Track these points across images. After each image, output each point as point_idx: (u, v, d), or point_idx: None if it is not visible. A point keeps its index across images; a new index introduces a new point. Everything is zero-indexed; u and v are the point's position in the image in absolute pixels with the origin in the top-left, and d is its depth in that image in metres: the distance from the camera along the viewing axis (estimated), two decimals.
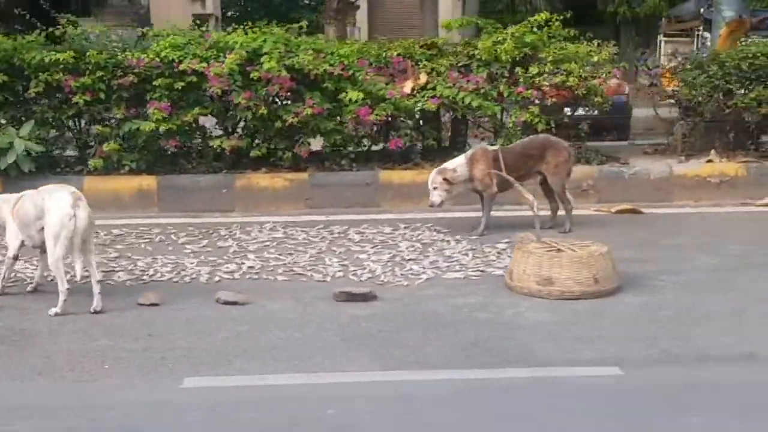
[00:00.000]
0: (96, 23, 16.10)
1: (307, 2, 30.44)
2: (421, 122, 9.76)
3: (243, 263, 6.75)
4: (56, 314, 5.47)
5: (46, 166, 8.98)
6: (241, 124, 9.18)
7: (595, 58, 9.04)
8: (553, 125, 8.83)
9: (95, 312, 5.52)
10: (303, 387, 4.35)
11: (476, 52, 9.17)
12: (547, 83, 8.86)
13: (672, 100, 10.48)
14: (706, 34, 16.93)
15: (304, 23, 9.36)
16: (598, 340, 4.95)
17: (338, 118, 8.95)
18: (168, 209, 8.86)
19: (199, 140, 9.19)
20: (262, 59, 8.54)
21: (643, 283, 6.09)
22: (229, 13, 32.37)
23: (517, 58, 9.07)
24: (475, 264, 6.64)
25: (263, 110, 8.63)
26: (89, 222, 5.53)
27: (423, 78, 9.06)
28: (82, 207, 5.48)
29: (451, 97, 8.85)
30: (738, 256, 6.86)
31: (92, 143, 9.08)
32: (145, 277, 6.40)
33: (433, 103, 8.82)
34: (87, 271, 5.61)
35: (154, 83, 8.68)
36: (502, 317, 5.41)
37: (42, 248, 5.65)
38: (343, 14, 18.55)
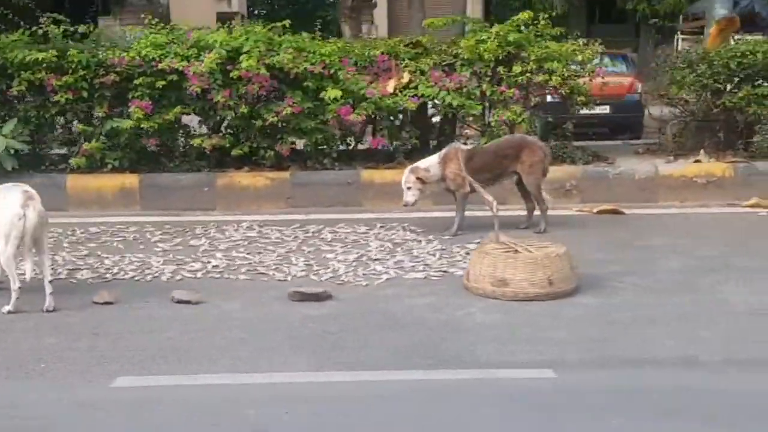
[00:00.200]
0: (115, 22, 16.20)
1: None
2: (409, 121, 9.75)
3: (209, 262, 6.78)
4: (9, 312, 5.51)
5: (29, 164, 9.04)
6: (225, 123, 9.21)
7: (580, 57, 8.98)
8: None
9: (47, 311, 5.55)
10: (232, 387, 4.36)
11: (460, 51, 9.14)
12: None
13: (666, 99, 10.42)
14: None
15: (286, 22, 9.34)
16: (540, 342, 4.93)
17: (320, 117, 8.95)
18: (150, 207, 8.93)
19: (182, 139, 9.21)
20: (241, 58, 8.56)
21: (603, 285, 6.06)
22: (256, 11, 32.53)
23: (501, 57, 9.02)
24: (440, 264, 6.63)
25: (244, 109, 8.67)
26: (40, 222, 5.56)
27: (406, 77, 9.05)
28: (32, 207, 5.51)
29: (431, 97, 8.84)
30: (709, 258, 6.80)
31: (76, 141, 9.12)
32: (108, 276, 6.45)
33: (414, 102, 8.80)
34: (38, 270, 5.64)
35: (135, 82, 8.73)
36: (452, 318, 5.40)
37: None
38: (358, 12, 18.58)
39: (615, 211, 8.50)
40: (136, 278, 6.40)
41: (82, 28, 9.35)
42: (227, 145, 8.96)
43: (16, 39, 9.04)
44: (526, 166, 7.66)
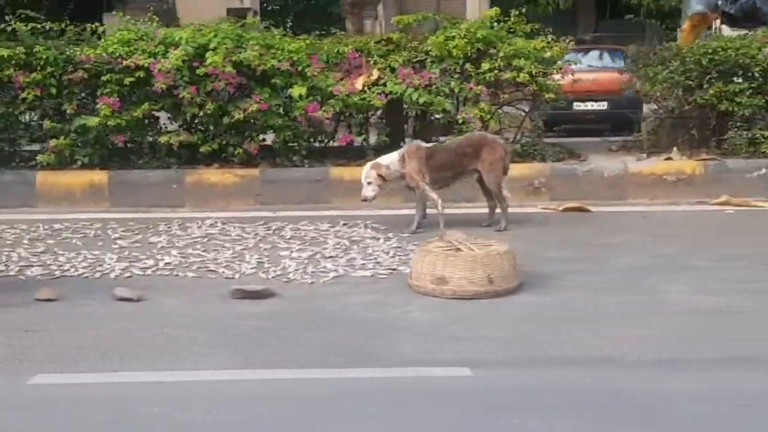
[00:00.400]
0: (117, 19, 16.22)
1: None
2: (381, 118, 9.77)
3: (162, 259, 6.79)
4: None
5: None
6: (196, 120, 9.24)
7: (548, 54, 8.95)
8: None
9: None
10: (148, 385, 4.36)
11: (429, 48, 9.13)
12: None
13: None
14: (724, 27, 16.71)
15: (255, 19, 9.38)
16: (466, 340, 4.93)
17: (290, 114, 8.97)
18: (119, 204, 8.98)
19: (152, 136, 9.24)
20: (207, 55, 8.59)
21: (549, 283, 6.04)
22: (269, 7, 32.48)
23: (469, 54, 9.01)
24: (391, 262, 6.63)
25: (210, 106, 8.70)
26: None
27: (375, 74, 9.06)
28: None
29: (399, 94, 8.84)
30: (663, 257, 6.77)
31: (45, 138, 9.17)
32: (57, 273, 6.47)
33: (381, 100, 8.80)
34: None
35: (102, 79, 8.78)
36: (387, 316, 5.40)
37: None
38: (360, 8, 18.56)
39: (581, 209, 8.49)
40: (85, 275, 6.42)
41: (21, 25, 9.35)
42: (196, 142, 8.98)
43: None
44: (486, 164, 7.65)
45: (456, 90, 8.98)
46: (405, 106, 9.55)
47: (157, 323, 5.33)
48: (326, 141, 9.70)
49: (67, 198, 8.97)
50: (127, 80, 8.74)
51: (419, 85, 8.84)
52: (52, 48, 8.90)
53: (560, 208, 8.52)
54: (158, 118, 9.57)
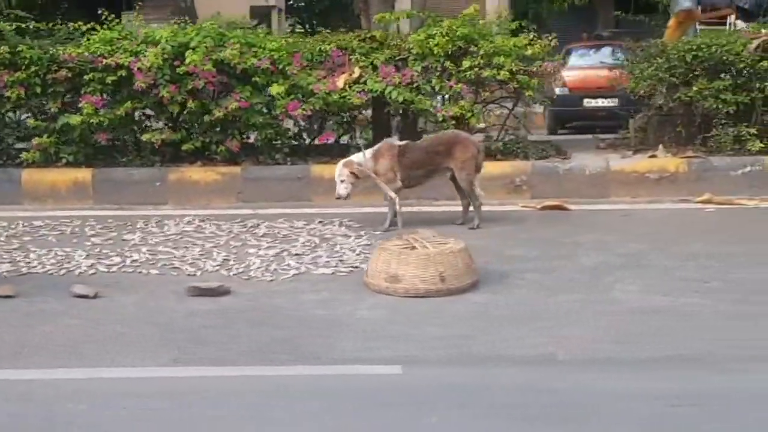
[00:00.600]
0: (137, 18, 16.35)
1: None
2: (368, 117, 9.82)
3: (130, 257, 6.89)
4: None
5: None
6: (181, 118, 9.33)
7: (529, 52, 8.95)
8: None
9: None
10: (85, 382, 4.43)
11: (411, 46, 9.17)
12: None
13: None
14: (739, 23, 16.59)
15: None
16: (405, 339, 4.98)
17: (272, 112, 9.05)
18: (103, 202, 9.10)
19: (137, 134, 9.35)
20: (186, 53, 8.68)
21: (505, 282, 6.07)
22: (295, 4, 32.55)
23: (450, 52, 9.03)
24: (355, 260, 6.67)
25: (192, 104, 8.79)
26: None
27: (356, 72, 9.09)
28: None
29: (378, 92, 8.88)
30: (628, 256, 6.76)
31: (31, 137, 9.30)
32: (24, 269, 6.58)
33: (360, 98, 8.85)
34: None
35: (85, 77, 8.90)
36: (336, 315, 5.45)
37: None
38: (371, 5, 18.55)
39: (560, 207, 8.50)
40: (50, 272, 6.52)
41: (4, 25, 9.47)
42: (178, 140, 9.07)
43: None
44: (458, 162, 7.68)
45: (437, 88, 9.00)
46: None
47: (107, 320, 5.42)
48: (312, 139, 9.74)
49: (52, 195, 9.10)
50: (110, 79, 8.86)
51: (399, 83, 8.86)
52: (36, 47, 9.02)
53: (539, 207, 8.53)
54: (150, 116, 9.68)
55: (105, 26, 9.37)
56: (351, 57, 9.25)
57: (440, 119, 8.97)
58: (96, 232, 7.80)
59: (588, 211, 8.51)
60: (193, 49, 8.74)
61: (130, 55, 8.84)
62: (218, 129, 9.12)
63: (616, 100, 14.11)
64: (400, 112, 9.60)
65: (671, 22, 10.24)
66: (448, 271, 5.76)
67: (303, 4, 33.17)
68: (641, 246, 7.06)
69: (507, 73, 8.83)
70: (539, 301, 5.65)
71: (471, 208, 7.82)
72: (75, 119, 8.85)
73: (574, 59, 17.64)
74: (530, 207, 8.61)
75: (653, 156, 9.23)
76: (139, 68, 8.69)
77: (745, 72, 9.14)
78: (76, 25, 9.55)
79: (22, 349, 4.91)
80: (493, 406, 4.04)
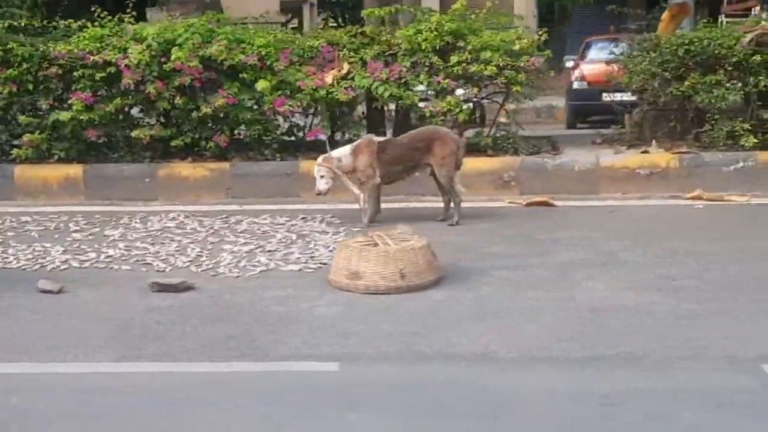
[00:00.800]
0: (162, 13, 16.54)
1: None
2: (362, 112, 9.85)
3: (106, 252, 6.98)
4: None
5: None
6: (171, 114, 9.40)
7: (516, 47, 8.91)
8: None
9: None
10: (29, 377, 4.51)
11: (399, 41, 9.17)
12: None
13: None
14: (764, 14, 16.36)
15: (227, 14, 9.49)
16: (355, 336, 4.98)
17: (260, 108, 9.10)
18: (94, 197, 9.23)
19: (127, 130, 9.42)
20: (172, 50, 8.74)
21: (470, 279, 6.06)
22: None
23: (439, 47, 9.02)
24: (326, 257, 6.68)
25: (179, 100, 8.86)
26: None
27: (345, 68, 9.11)
28: None
29: (365, 87, 8.89)
30: (605, 252, 6.74)
31: (21, 133, 9.42)
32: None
33: (346, 94, 8.86)
34: None
35: (75, 74, 8.99)
36: (292, 311, 5.47)
37: None
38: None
39: (545, 204, 8.47)
40: (23, 267, 6.62)
41: None
42: (168, 136, 9.15)
43: None
44: (438, 159, 7.67)
45: (425, 83, 9.00)
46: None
47: (66, 314, 5.50)
48: (303, 135, 9.76)
49: (44, 191, 9.23)
50: (99, 75, 8.96)
51: (387, 78, 8.87)
52: (27, 44, 9.12)
53: (524, 203, 8.50)
54: (142, 112, 9.75)
55: (97, 23, 9.42)
56: (341, 52, 9.25)
57: (428, 115, 8.95)
58: (80, 227, 7.91)
59: (574, 208, 8.47)
60: (179, 45, 8.79)
61: (118, 52, 8.92)
62: (209, 125, 9.16)
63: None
64: (394, 107, 9.60)
65: (665, 16, 10.15)
66: (408, 268, 5.76)
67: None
68: (617, 243, 7.02)
69: (494, 68, 8.80)
70: (500, 299, 5.63)
71: (452, 205, 7.80)
72: (65, 116, 8.97)
73: (593, 53, 17.43)
74: (516, 203, 8.58)
75: (645, 151, 9.17)
76: (126, 65, 8.77)
77: (737, 66, 8.99)
78: (68, 22, 9.62)
79: None
80: (417, 404, 4.06)
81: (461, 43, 9.02)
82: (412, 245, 5.89)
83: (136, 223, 8.03)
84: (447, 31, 9.00)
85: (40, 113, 9.39)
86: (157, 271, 6.45)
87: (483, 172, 8.92)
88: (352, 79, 9.02)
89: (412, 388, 4.26)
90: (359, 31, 9.57)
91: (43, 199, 9.18)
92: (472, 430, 3.80)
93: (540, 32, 9.38)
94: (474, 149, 9.12)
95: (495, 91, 9.76)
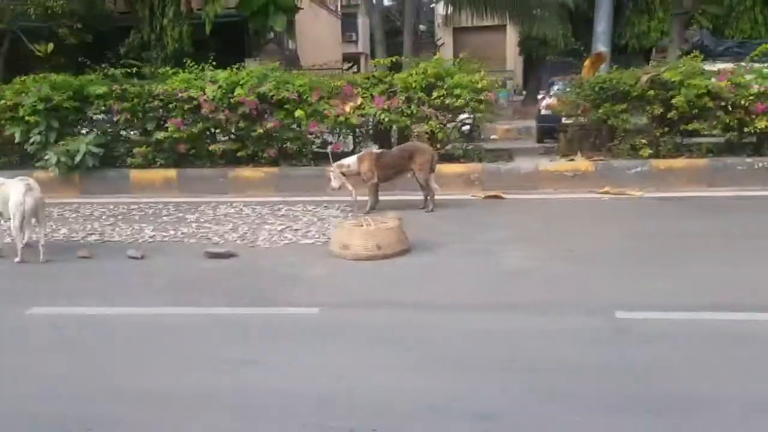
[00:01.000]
0: (255, 62, 16.53)
1: None
2: (371, 132, 9.73)
3: (181, 230, 6.95)
4: (18, 262, 5.82)
5: (106, 163, 9.42)
6: (236, 134, 9.36)
7: (479, 85, 8.73)
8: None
9: (44, 261, 5.82)
10: (102, 317, 4.49)
11: (395, 82, 9.03)
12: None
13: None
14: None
15: (276, 64, 9.42)
16: (336, 289, 4.91)
17: (299, 129, 9.03)
18: (184, 192, 9.19)
19: (207, 145, 9.39)
20: (236, 89, 8.71)
21: (429, 250, 5.91)
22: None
23: (424, 86, 8.87)
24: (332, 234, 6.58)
25: (241, 124, 8.83)
26: (36, 205, 5.79)
27: (359, 101, 9.00)
28: (30, 195, 5.74)
29: (372, 115, 8.79)
30: (526, 231, 6.52)
31: (134, 147, 9.44)
32: (105, 238, 6.69)
33: (357, 119, 8.76)
34: (36, 235, 5.93)
35: (170, 105, 8.99)
36: (295, 271, 5.37)
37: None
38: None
39: (497, 196, 8.29)
40: (122, 241, 6.61)
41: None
42: (235, 149, 9.12)
43: (92, 78, 9.41)
44: (417, 165, 7.56)
45: (414, 112, 8.85)
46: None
47: (142, 274, 5.48)
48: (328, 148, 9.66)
49: (150, 188, 9.24)
50: (186, 107, 8.93)
51: (387, 108, 8.75)
52: (137, 85, 9.14)
53: (483, 196, 8.33)
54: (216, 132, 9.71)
55: (186, 70, 9.42)
56: (357, 90, 9.15)
57: (415, 134, 8.83)
58: (169, 213, 7.90)
59: (518, 199, 8.26)
60: (241, 85, 8.74)
61: (199, 90, 8.89)
62: (264, 141, 9.10)
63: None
64: (394, 128, 9.47)
65: (586, 63, 9.87)
66: (384, 242, 5.68)
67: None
68: (543, 224, 6.85)
69: (462, 100, 8.62)
70: (445, 264, 5.52)
71: (428, 198, 7.67)
72: (164, 135, 8.95)
73: (555, 88, 17.09)
74: (477, 196, 8.41)
75: (572, 159, 8.94)
76: (204, 99, 8.74)
77: (637, 98, 8.72)
78: (167, 69, 9.63)
79: (79, 292, 5.00)
80: (374, 337, 3.98)
81: (440, 83, 8.84)
82: (387, 226, 5.80)
83: (208, 210, 7.99)
84: (430, 75, 8.84)
85: (147, 133, 9.38)
86: (214, 243, 6.40)
87: (456, 174, 8.76)
88: (363, 108, 8.90)
89: (372, 326, 4.18)
90: (371, 74, 9.43)
91: (149, 193, 9.18)
92: (410, 353, 3.75)
93: (500, 74, 9.16)
94: (451, 158, 8.99)
95: (467, 118, 9.54)
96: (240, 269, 5.53)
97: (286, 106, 8.91)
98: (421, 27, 31.29)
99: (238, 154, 9.09)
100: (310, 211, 7.76)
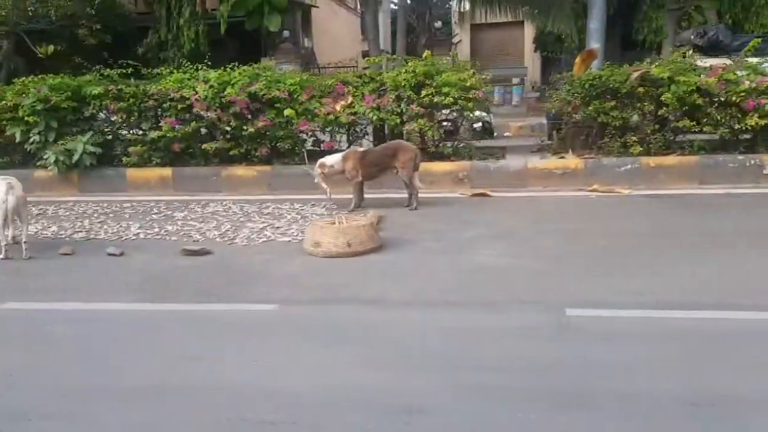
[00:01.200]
0: (271, 61, 16.70)
1: None
2: (367, 131, 9.76)
3: (165, 228, 7.02)
4: (1, 259, 5.95)
5: (103, 162, 9.54)
6: (229, 133, 9.44)
7: (468, 84, 8.72)
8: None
9: (27, 258, 5.94)
10: (72, 312, 4.60)
11: (386, 81, 9.06)
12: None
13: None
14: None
15: (272, 64, 9.47)
16: (294, 285, 4.95)
17: (289, 128, 9.09)
18: (179, 190, 9.28)
19: (200, 144, 9.49)
20: (226, 88, 8.80)
21: (403, 248, 5.93)
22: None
23: (413, 84, 8.89)
24: None
25: (232, 123, 8.91)
26: (17, 204, 5.91)
27: (349, 99, 9.04)
28: (12, 193, 5.86)
29: (362, 113, 8.82)
30: (505, 229, 6.46)
31: (130, 146, 9.56)
32: (91, 235, 6.80)
33: (347, 118, 8.80)
34: (19, 234, 6.06)
35: (164, 105, 9.11)
36: (265, 268, 5.43)
37: None
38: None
39: (484, 194, 8.29)
40: (107, 238, 6.71)
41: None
42: (228, 148, 9.20)
43: (90, 79, 9.55)
44: (401, 163, 7.59)
45: (403, 110, 8.88)
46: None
47: (118, 271, 5.57)
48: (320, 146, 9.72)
49: (145, 186, 9.35)
50: (180, 106, 9.04)
51: (376, 107, 8.79)
52: (133, 85, 9.26)
53: (470, 194, 8.34)
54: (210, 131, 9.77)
55: (180, 70, 9.52)
56: (348, 89, 9.18)
57: (404, 132, 8.85)
58: (159, 211, 7.99)
59: (505, 197, 8.23)
60: (232, 85, 8.83)
61: (191, 90, 8.99)
62: (256, 140, 9.17)
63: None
64: (393, 127, 9.48)
65: (577, 60, 9.80)
66: (354, 239, 5.72)
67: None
68: (524, 222, 6.81)
69: (451, 99, 8.63)
70: (416, 261, 5.54)
71: (411, 195, 7.70)
72: (158, 134, 9.06)
73: None
74: (464, 194, 8.42)
75: (562, 157, 8.91)
76: (196, 99, 8.84)
77: (626, 96, 8.66)
78: (161, 69, 9.73)
79: (58, 288, 5.12)
80: (330, 334, 4.02)
81: (429, 81, 8.85)
82: (359, 224, 5.84)
83: (197, 208, 8.07)
84: (419, 73, 8.85)
85: (142, 132, 9.50)
86: (194, 241, 6.48)
87: (445, 172, 8.77)
88: (354, 107, 8.93)
89: (326, 323, 4.23)
90: (362, 73, 9.46)
91: (145, 192, 9.29)
92: (356, 348, 3.80)
93: (486, 73, 9.15)
94: (441, 156, 8.99)
95: (455, 116, 9.52)
96: (213, 266, 5.59)
97: (276, 105, 8.97)
98: (437, 24, 31.25)
99: (231, 152, 9.18)
100: (296, 209, 7.81)
